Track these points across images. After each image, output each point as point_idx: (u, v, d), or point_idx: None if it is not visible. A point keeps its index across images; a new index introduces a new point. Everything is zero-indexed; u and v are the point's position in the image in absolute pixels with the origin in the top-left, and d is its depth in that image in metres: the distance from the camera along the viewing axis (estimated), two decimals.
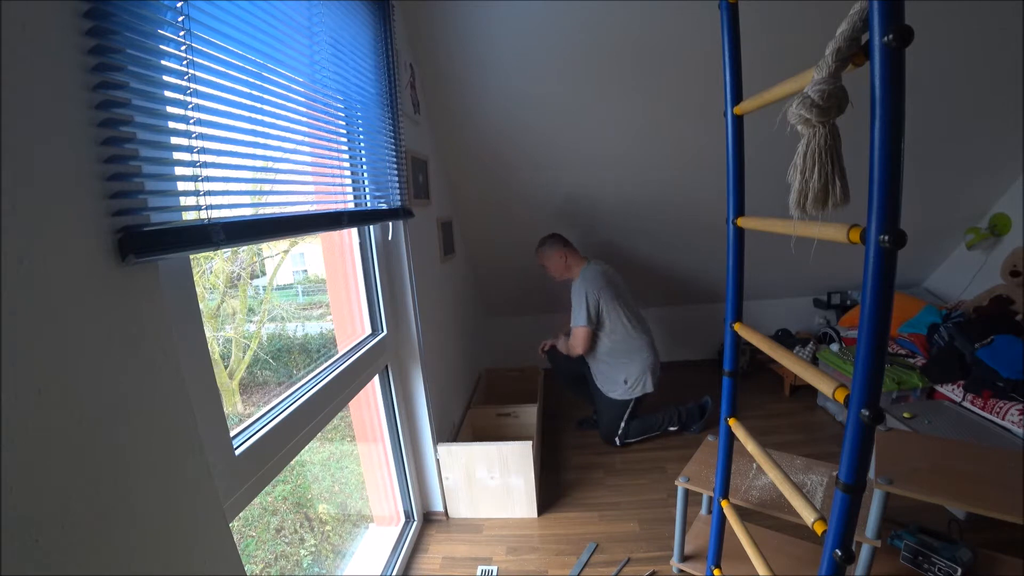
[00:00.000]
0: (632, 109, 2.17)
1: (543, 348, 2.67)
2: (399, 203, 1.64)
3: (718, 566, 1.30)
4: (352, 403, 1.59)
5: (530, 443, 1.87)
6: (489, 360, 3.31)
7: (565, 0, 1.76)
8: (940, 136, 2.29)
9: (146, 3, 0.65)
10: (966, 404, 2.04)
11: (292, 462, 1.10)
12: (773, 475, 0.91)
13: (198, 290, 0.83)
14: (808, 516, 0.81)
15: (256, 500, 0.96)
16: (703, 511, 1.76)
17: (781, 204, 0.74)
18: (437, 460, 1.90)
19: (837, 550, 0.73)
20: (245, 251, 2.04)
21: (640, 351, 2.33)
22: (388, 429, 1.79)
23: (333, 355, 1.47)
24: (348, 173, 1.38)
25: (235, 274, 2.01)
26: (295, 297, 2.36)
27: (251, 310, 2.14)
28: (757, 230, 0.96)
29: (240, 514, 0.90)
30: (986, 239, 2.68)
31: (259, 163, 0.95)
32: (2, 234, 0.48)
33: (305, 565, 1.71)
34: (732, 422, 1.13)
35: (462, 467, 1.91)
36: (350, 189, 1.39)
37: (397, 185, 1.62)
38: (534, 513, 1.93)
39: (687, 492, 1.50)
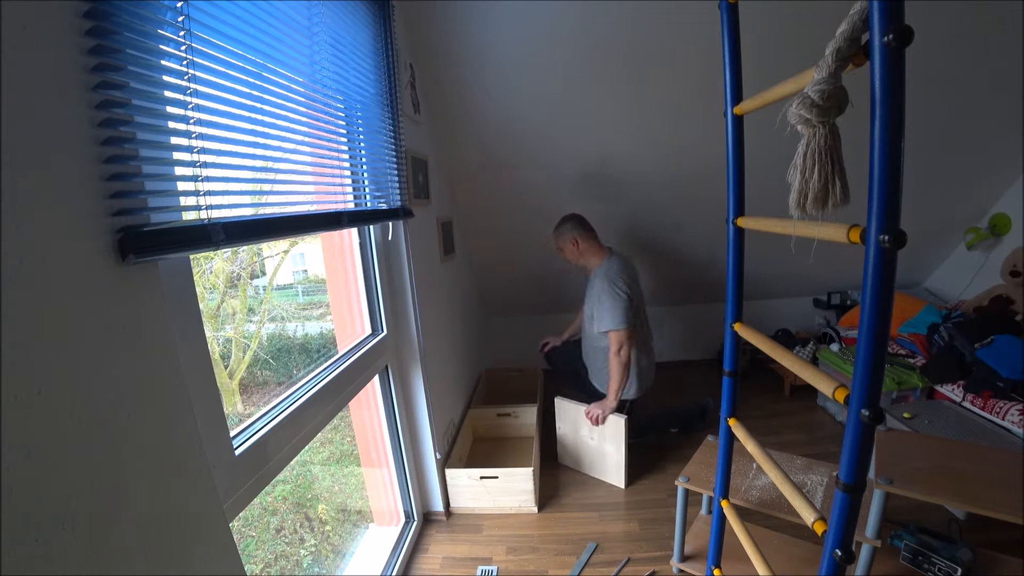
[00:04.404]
0: (631, 109, 2.17)
1: (542, 348, 2.66)
2: (399, 203, 1.64)
3: (718, 566, 1.30)
4: (352, 403, 1.59)
5: (623, 419, 2.01)
6: (489, 360, 3.31)
7: (565, 0, 1.76)
8: (940, 136, 2.29)
9: (146, 3, 0.65)
10: (966, 404, 2.04)
11: (292, 462, 1.10)
12: (773, 475, 0.91)
13: (198, 290, 0.83)
14: (808, 516, 0.81)
15: (256, 500, 0.96)
16: (703, 511, 1.76)
17: (781, 204, 0.74)
18: (437, 458, 1.90)
19: (837, 550, 0.73)
20: (245, 251, 2.04)
21: (645, 352, 2.32)
22: (388, 429, 1.79)
23: (333, 355, 1.47)
24: (348, 173, 1.38)
25: (235, 274, 2.02)
26: (295, 297, 2.36)
27: (251, 310, 2.14)
28: (757, 230, 0.96)
29: (240, 514, 0.90)
30: (986, 239, 2.68)
31: (259, 163, 0.95)
32: (2, 234, 0.48)
33: (305, 565, 1.71)
34: (732, 422, 1.13)
35: (571, 421, 2.19)
36: (350, 189, 1.39)
37: (397, 185, 1.62)
38: (622, 484, 2.09)
39: (687, 492, 1.50)
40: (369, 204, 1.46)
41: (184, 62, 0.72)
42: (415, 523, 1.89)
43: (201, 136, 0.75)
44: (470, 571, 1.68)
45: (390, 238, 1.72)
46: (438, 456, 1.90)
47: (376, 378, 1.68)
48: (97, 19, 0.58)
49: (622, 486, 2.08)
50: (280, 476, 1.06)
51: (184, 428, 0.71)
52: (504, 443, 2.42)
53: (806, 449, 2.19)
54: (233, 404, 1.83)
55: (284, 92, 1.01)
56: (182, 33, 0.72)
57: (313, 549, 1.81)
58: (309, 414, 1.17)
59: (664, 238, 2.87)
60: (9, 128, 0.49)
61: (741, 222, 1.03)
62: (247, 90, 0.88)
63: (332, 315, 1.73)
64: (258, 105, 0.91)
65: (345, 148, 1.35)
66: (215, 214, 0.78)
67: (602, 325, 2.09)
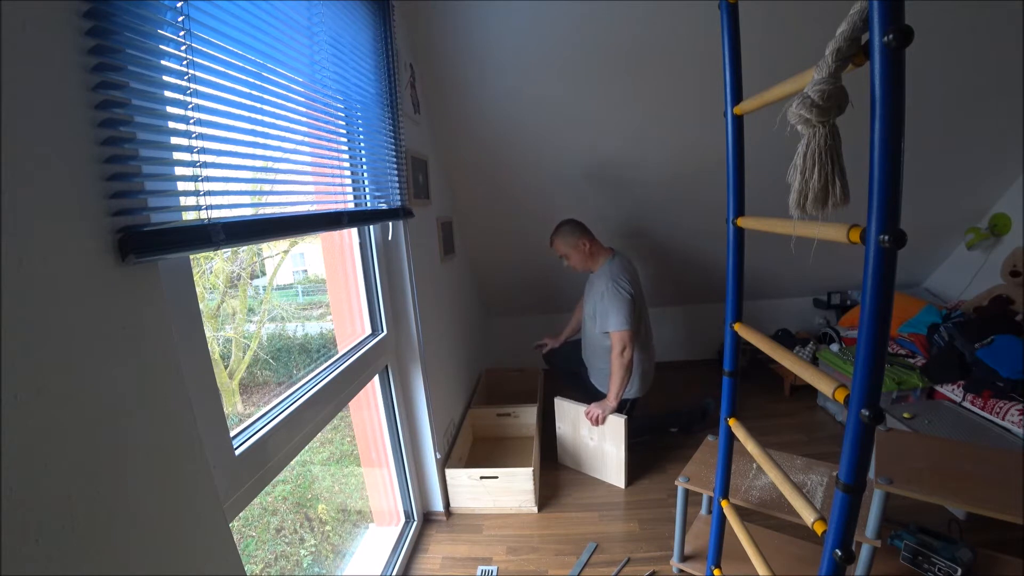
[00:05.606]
0: (632, 108, 2.17)
1: (539, 349, 2.66)
2: (399, 203, 1.64)
3: (718, 566, 1.30)
4: (352, 403, 1.59)
5: (623, 419, 2.00)
6: (489, 360, 3.31)
7: (565, 0, 1.76)
8: (940, 136, 2.29)
9: (146, 3, 0.65)
10: (966, 404, 2.04)
11: (292, 462, 1.10)
12: (773, 475, 0.91)
13: (198, 290, 0.83)
14: (808, 516, 0.81)
15: (256, 500, 0.96)
16: (703, 511, 1.76)
17: (781, 204, 0.74)
18: (437, 458, 1.90)
19: (837, 550, 0.73)
20: (245, 251, 2.04)
21: (646, 352, 2.32)
22: (388, 429, 1.79)
23: (333, 355, 1.47)
24: (348, 173, 1.38)
25: (235, 274, 2.02)
26: (295, 297, 2.36)
27: (251, 310, 2.14)
28: (757, 230, 0.96)
29: (240, 514, 0.90)
30: (986, 239, 2.68)
31: (259, 163, 0.95)
32: (2, 234, 0.48)
33: (305, 565, 1.71)
34: (732, 422, 1.13)
35: (571, 421, 2.18)
36: (350, 189, 1.39)
37: (397, 185, 1.62)
38: (622, 484, 2.09)
39: (687, 492, 1.50)
40: (369, 204, 1.46)
41: (184, 62, 0.72)
42: (415, 523, 1.89)
43: (201, 136, 0.75)
44: (470, 571, 1.68)
45: (390, 238, 1.72)
46: (438, 456, 1.90)
47: (376, 378, 1.68)
48: (97, 19, 0.58)
49: (622, 486, 2.08)
50: (280, 476, 1.06)
51: (184, 428, 0.71)
52: (504, 443, 2.42)
53: (806, 449, 2.19)
54: (233, 404, 1.83)
55: (284, 92, 1.01)
56: (182, 33, 0.72)
57: (313, 549, 1.81)
58: (309, 414, 1.17)
59: (664, 238, 2.87)
60: (9, 128, 0.49)
61: (741, 222, 1.03)
62: (247, 90, 0.88)
63: (332, 315, 1.73)
64: (258, 105, 0.91)
65: (345, 148, 1.35)
66: (215, 214, 0.78)
67: (605, 325, 2.08)
